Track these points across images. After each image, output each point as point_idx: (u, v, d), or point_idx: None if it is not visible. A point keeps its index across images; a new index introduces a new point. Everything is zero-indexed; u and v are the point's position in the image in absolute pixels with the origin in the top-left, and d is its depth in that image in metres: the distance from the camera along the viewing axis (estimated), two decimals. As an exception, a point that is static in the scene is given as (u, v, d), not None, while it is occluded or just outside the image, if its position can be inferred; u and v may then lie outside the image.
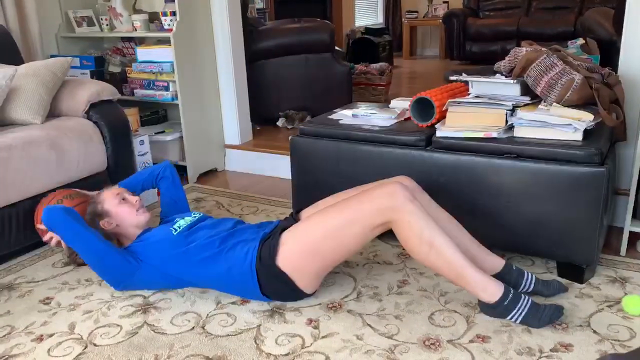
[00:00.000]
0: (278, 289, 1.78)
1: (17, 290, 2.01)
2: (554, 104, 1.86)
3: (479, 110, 1.94)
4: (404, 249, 1.72)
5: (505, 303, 1.63)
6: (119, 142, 2.58)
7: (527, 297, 1.65)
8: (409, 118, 2.16)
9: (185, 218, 1.98)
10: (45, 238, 2.06)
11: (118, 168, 2.57)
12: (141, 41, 3.34)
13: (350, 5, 7.65)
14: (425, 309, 1.77)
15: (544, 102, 1.91)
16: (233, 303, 1.84)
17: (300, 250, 1.72)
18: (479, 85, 2.04)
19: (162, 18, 3.02)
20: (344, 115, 2.32)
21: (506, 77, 1.99)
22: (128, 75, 3.21)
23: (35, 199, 2.23)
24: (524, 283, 1.79)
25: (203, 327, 1.72)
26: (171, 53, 2.95)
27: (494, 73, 2.07)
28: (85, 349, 1.64)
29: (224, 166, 3.42)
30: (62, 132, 2.36)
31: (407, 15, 8.30)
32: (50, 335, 1.72)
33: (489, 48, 6.82)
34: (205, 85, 3.18)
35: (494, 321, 1.68)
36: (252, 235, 1.83)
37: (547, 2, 6.91)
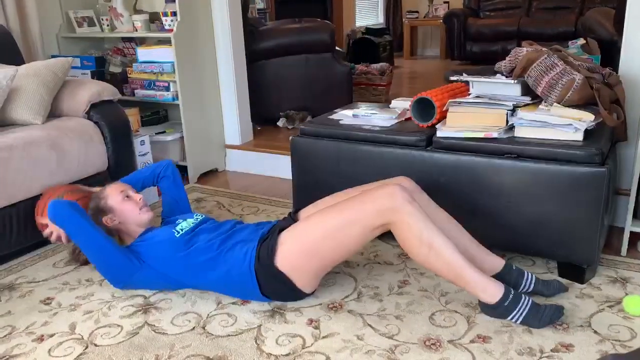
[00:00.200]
0: (277, 289, 1.78)
1: (18, 290, 2.01)
2: (555, 104, 1.86)
3: (479, 110, 1.94)
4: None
5: (506, 304, 1.62)
6: (119, 143, 2.58)
7: (527, 298, 1.65)
8: (409, 118, 2.16)
9: (188, 220, 1.97)
10: (46, 232, 2.06)
11: (119, 168, 2.57)
12: (142, 41, 3.34)
13: (350, 5, 7.65)
14: (425, 309, 1.77)
15: (545, 102, 1.90)
16: (234, 303, 1.84)
17: (299, 250, 1.72)
18: (479, 85, 2.04)
19: (163, 18, 3.02)
20: (345, 116, 2.32)
21: (507, 77, 1.99)
22: (129, 75, 3.21)
23: (36, 199, 2.23)
24: (524, 283, 1.79)
25: (204, 328, 1.72)
26: (172, 53, 2.95)
27: (495, 73, 2.07)
28: (85, 349, 1.64)
29: (224, 166, 3.42)
30: (63, 133, 2.36)
31: (408, 16, 8.30)
32: (51, 336, 1.72)
33: (490, 48, 6.82)
34: (206, 85, 3.18)
35: (495, 321, 1.68)
36: (250, 235, 1.83)
37: (547, 2, 6.90)
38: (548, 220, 1.84)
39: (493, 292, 1.63)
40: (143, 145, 2.88)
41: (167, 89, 3.07)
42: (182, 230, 1.89)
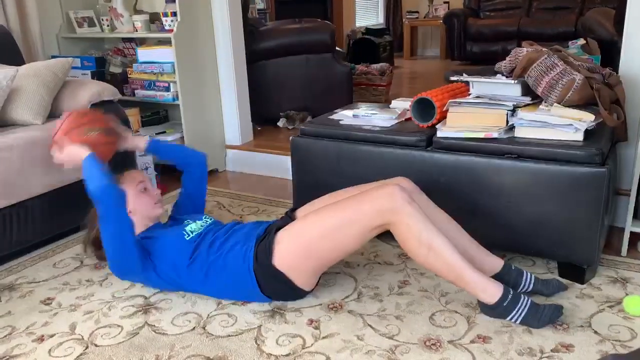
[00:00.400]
0: (277, 288, 1.78)
1: (18, 290, 2.01)
2: (555, 104, 1.86)
3: (479, 110, 1.94)
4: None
5: (505, 304, 1.63)
6: (119, 143, 2.57)
7: (526, 298, 1.65)
8: (409, 118, 2.16)
9: (197, 222, 1.95)
10: (52, 150, 1.94)
11: (119, 169, 2.56)
12: (142, 42, 3.35)
13: (350, 5, 7.65)
14: (426, 310, 1.77)
15: (545, 102, 1.90)
16: (234, 304, 1.84)
17: (296, 249, 1.71)
18: (479, 85, 2.04)
19: (163, 19, 3.03)
20: (345, 116, 2.32)
21: (507, 77, 1.99)
22: (129, 75, 3.21)
23: (37, 200, 2.24)
24: (523, 283, 1.79)
25: (204, 328, 1.72)
26: (172, 54, 2.95)
27: (495, 73, 2.07)
28: (86, 349, 1.64)
29: (224, 166, 3.42)
30: (63, 133, 2.36)
31: (408, 16, 8.30)
32: (51, 336, 1.72)
33: (490, 48, 6.82)
34: (206, 85, 3.18)
35: (495, 322, 1.68)
36: (247, 235, 1.82)
37: (547, 3, 6.91)
38: (548, 221, 1.84)
39: (492, 292, 1.63)
40: (143, 146, 2.87)
41: (167, 89, 3.07)
42: (192, 233, 1.87)
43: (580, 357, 1.51)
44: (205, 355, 1.59)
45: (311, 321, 1.73)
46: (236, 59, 3.22)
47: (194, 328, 1.73)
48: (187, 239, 1.84)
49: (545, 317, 1.62)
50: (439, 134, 1.99)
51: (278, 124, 3.81)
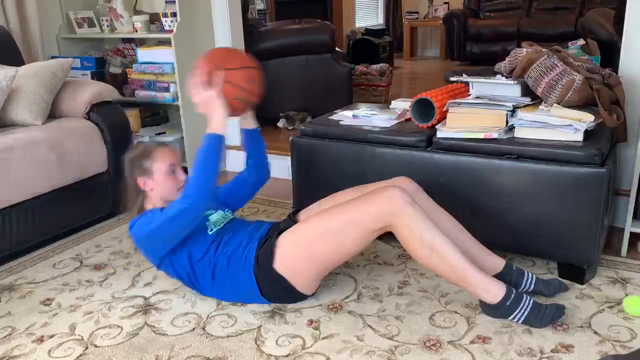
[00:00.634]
0: (278, 292, 1.78)
1: (18, 291, 2.01)
2: (555, 104, 1.86)
3: (479, 111, 1.94)
4: (404, 250, 1.72)
5: (508, 303, 1.62)
6: (119, 143, 2.57)
7: (529, 297, 1.65)
8: (409, 119, 2.16)
9: (219, 212, 1.92)
10: (200, 76, 1.85)
11: (119, 169, 2.57)
12: (142, 42, 3.34)
13: (350, 6, 7.66)
14: (425, 310, 1.77)
15: (545, 102, 1.90)
16: (233, 304, 1.84)
17: (298, 253, 1.71)
18: (479, 86, 2.04)
19: (163, 19, 3.03)
20: (345, 116, 2.32)
21: (507, 78, 1.99)
22: (129, 76, 3.21)
23: (37, 200, 2.24)
24: (524, 283, 1.79)
25: (204, 328, 1.72)
26: (172, 54, 2.95)
27: (495, 74, 2.07)
28: (85, 350, 1.64)
29: (224, 167, 3.41)
30: (63, 133, 2.37)
31: (408, 16, 8.30)
32: (51, 336, 1.72)
33: (490, 49, 6.82)
34: (206, 86, 3.18)
35: (495, 322, 1.68)
36: (249, 237, 1.82)
37: (547, 3, 6.91)
38: (548, 221, 1.84)
39: (495, 292, 1.63)
40: (143, 146, 2.87)
41: (167, 89, 3.07)
42: (214, 226, 1.85)
43: (580, 358, 1.51)
44: (205, 355, 1.59)
45: (311, 322, 1.73)
46: (236, 60, 3.21)
47: (193, 328, 1.72)
48: (210, 233, 1.82)
49: (548, 316, 1.62)
50: (439, 134, 1.99)
51: (278, 124, 3.81)
